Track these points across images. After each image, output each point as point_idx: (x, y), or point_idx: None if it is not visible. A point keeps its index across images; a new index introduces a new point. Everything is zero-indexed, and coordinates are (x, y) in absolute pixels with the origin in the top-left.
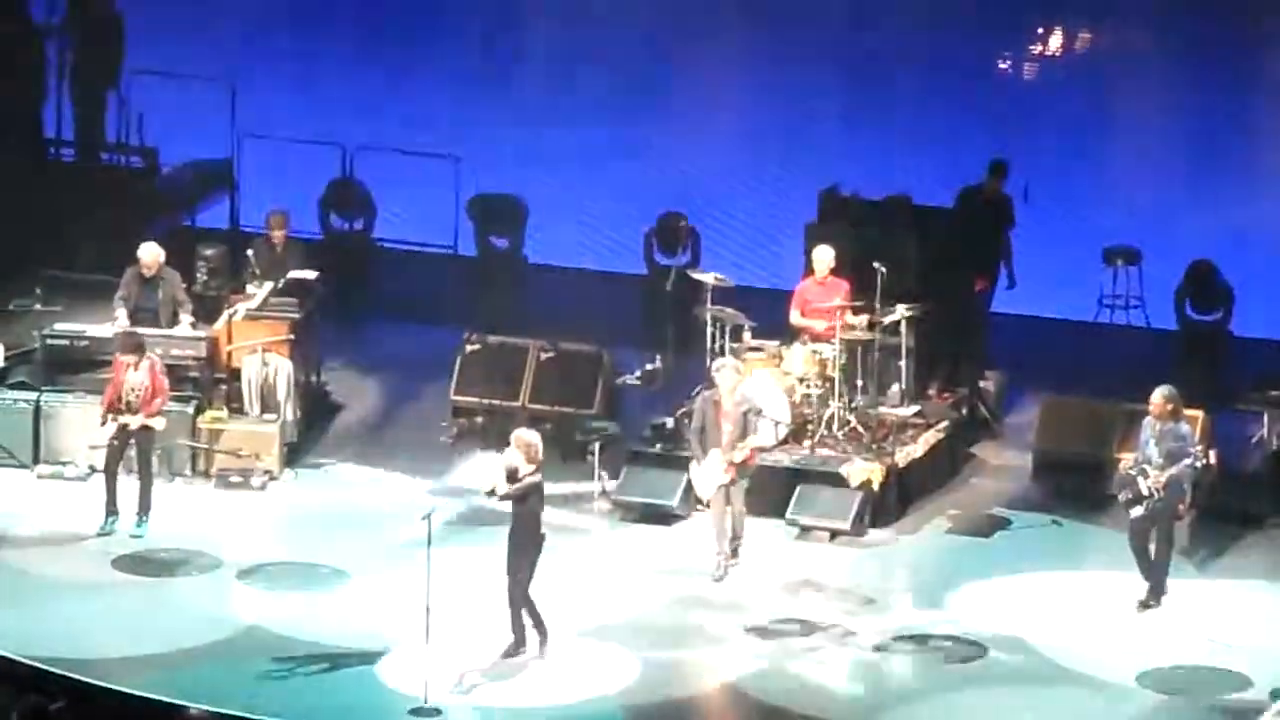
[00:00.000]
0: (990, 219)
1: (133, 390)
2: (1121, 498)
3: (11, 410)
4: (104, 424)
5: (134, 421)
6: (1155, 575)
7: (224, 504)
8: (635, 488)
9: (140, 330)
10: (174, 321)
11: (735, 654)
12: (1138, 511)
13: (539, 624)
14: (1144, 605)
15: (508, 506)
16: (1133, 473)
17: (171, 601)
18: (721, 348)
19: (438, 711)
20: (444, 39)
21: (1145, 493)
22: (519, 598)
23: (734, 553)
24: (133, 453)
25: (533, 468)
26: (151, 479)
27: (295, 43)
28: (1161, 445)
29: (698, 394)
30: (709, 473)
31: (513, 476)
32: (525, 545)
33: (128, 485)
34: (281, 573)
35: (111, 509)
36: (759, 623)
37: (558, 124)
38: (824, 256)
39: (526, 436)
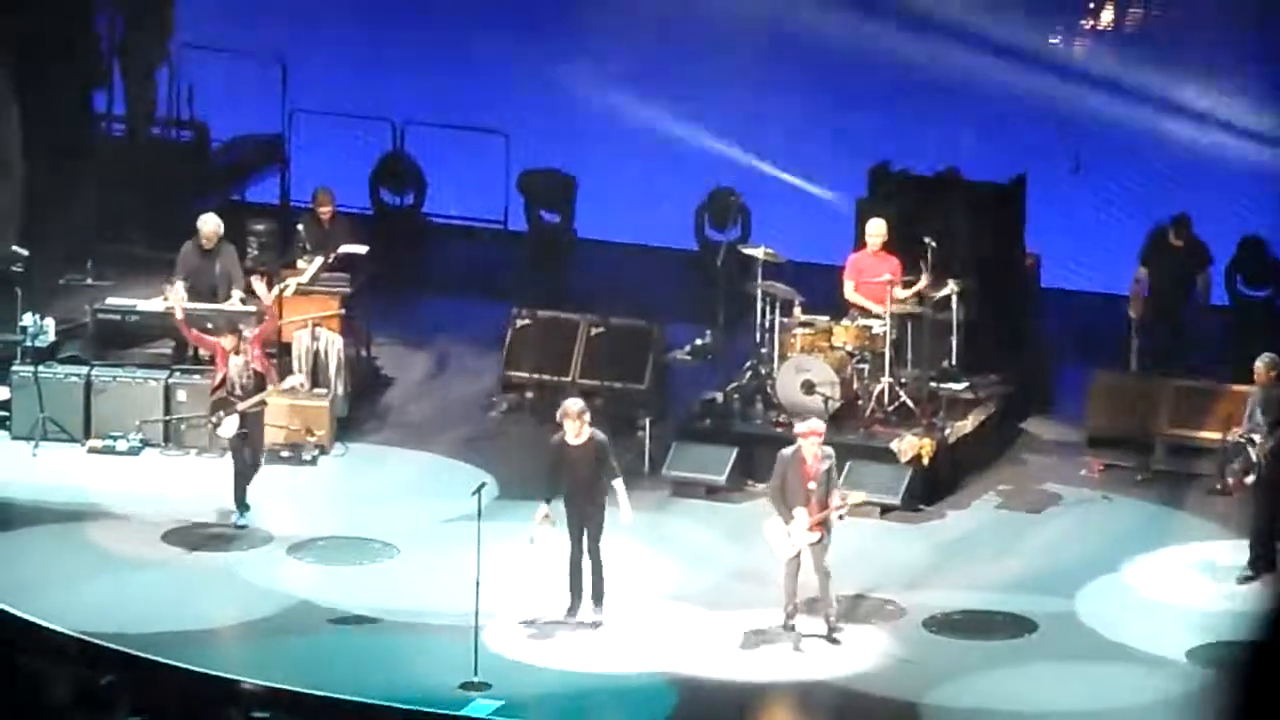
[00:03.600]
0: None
1: (240, 375)
2: (1232, 468)
3: (63, 385)
4: (219, 424)
5: (248, 405)
6: (1261, 546)
7: (274, 478)
8: (685, 463)
9: (195, 305)
10: (227, 296)
11: (787, 629)
12: (1250, 479)
13: (599, 586)
14: (1246, 578)
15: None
16: (1241, 441)
17: (222, 576)
18: (771, 322)
19: (487, 685)
20: (494, 12)
21: (1255, 459)
22: (588, 556)
23: (830, 626)
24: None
25: (589, 431)
26: (260, 465)
27: (346, 17)
28: (1268, 413)
29: (749, 369)
30: (794, 533)
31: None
32: (596, 508)
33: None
34: (332, 547)
35: (242, 503)
36: (810, 596)
37: (608, 98)
38: (877, 229)
39: (577, 405)
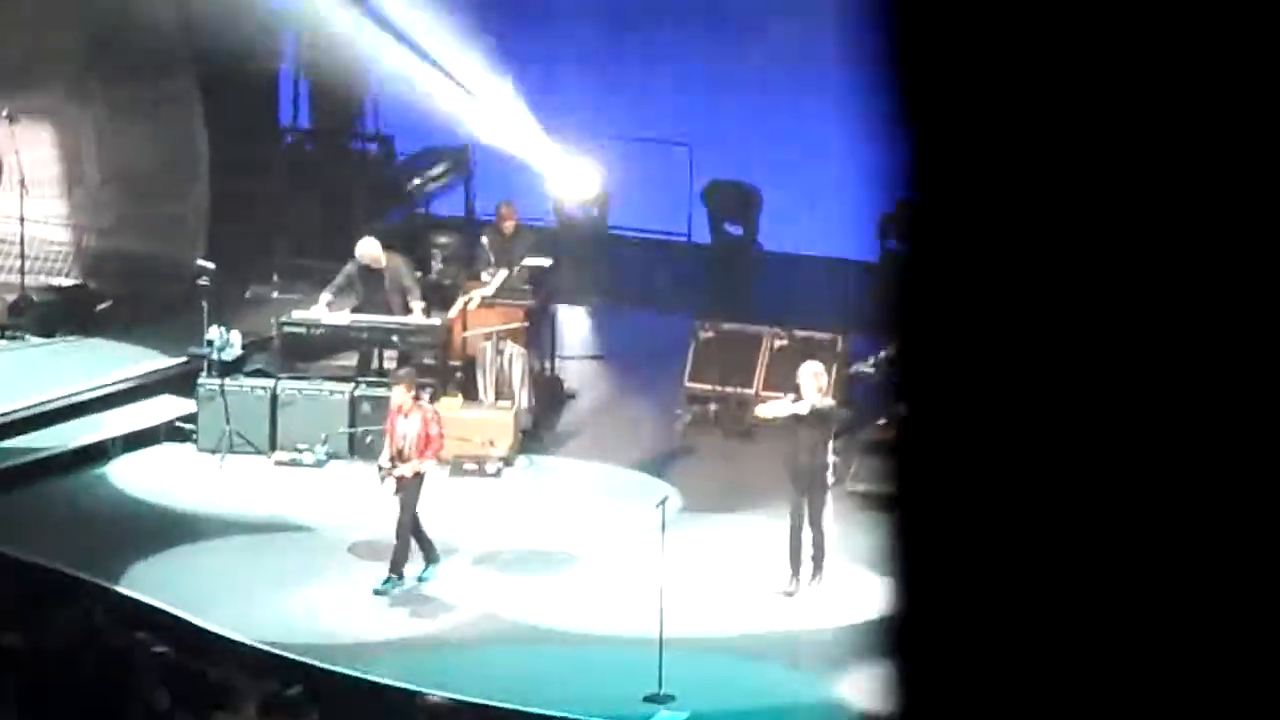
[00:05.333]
0: None
1: (404, 438)
2: None
3: (249, 397)
4: (382, 481)
5: (404, 469)
6: None
7: (459, 491)
8: (870, 475)
9: (372, 318)
10: (405, 310)
11: None
12: None
13: (819, 557)
14: None
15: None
16: None
17: (408, 588)
18: None
19: (671, 696)
20: (676, 24)
21: None
22: (809, 526)
23: None
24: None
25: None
26: (418, 529)
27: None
28: None
29: None
30: None
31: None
32: (820, 476)
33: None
34: (516, 559)
35: (397, 568)
36: None
37: (793, 109)
38: None
39: (815, 366)
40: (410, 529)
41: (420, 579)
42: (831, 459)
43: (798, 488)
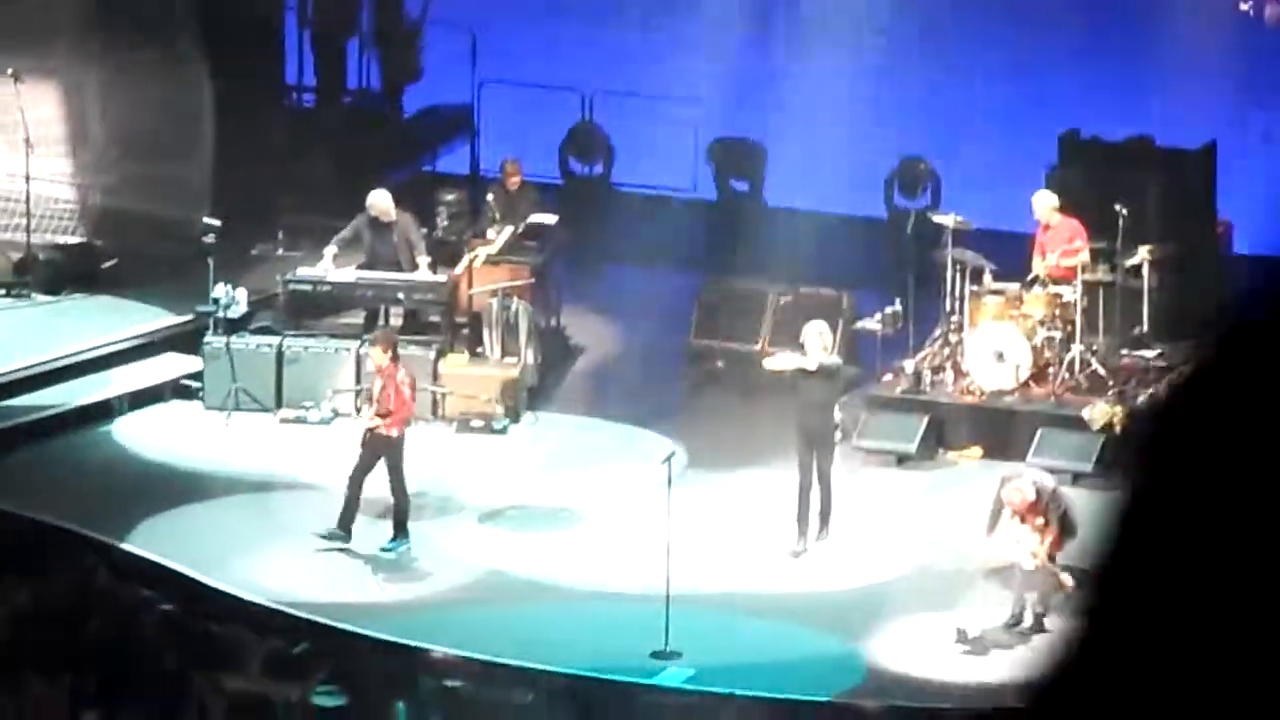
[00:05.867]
0: None
1: (379, 395)
2: None
3: (255, 355)
4: (358, 412)
5: (374, 422)
6: None
7: (465, 448)
8: (875, 432)
9: (378, 275)
10: (413, 266)
11: (976, 602)
12: None
13: (826, 511)
14: None
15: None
16: None
17: (414, 545)
18: (961, 290)
19: (678, 653)
20: None
21: None
22: (818, 482)
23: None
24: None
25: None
26: (405, 497)
27: None
28: None
29: (938, 337)
30: (1022, 541)
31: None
32: (826, 430)
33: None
34: (523, 516)
35: (344, 524)
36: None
37: (798, 66)
38: (1040, 202)
39: (819, 325)
40: (358, 488)
41: (324, 535)
42: (839, 416)
43: (805, 445)
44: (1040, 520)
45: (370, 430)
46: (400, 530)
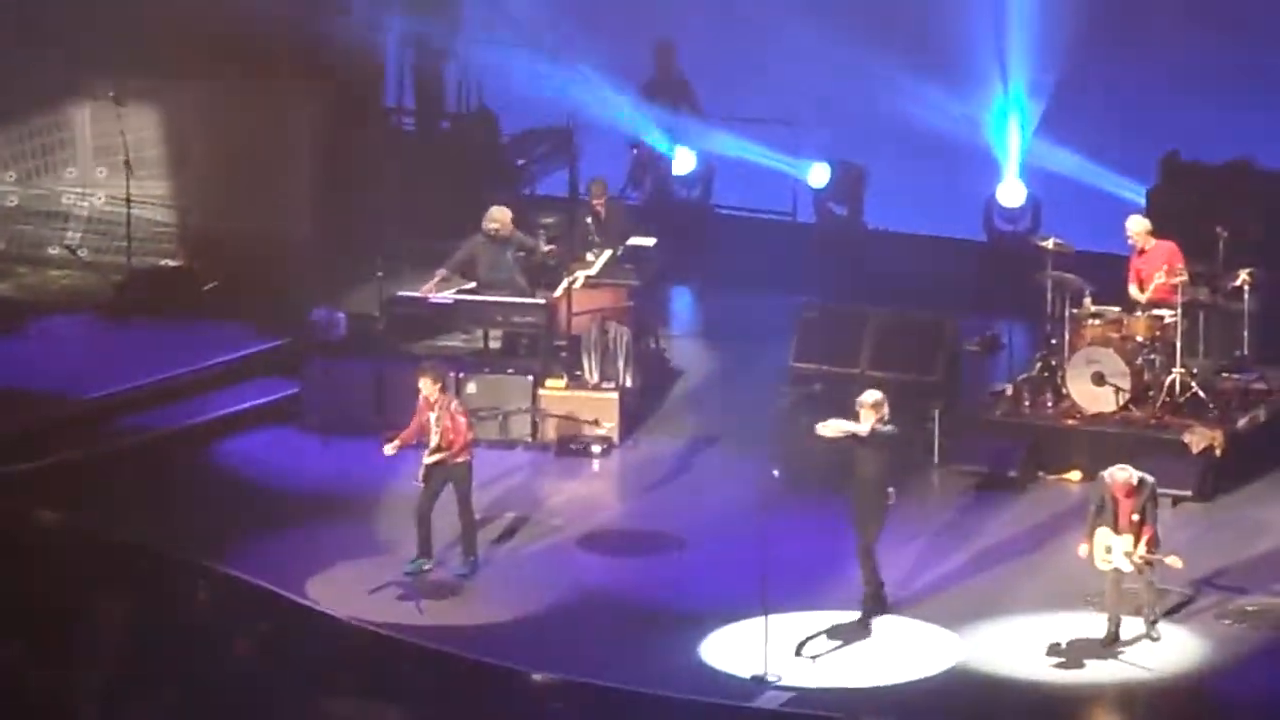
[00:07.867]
0: None
1: (436, 427)
2: None
3: (355, 377)
4: (394, 452)
5: (435, 457)
6: None
7: (564, 471)
8: (976, 455)
9: (478, 298)
10: (531, 284)
11: (1074, 625)
12: None
13: (878, 585)
14: None
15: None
16: None
17: (513, 568)
18: (1061, 314)
19: (778, 676)
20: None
21: None
22: (867, 552)
23: (1150, 626)
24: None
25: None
26: (473, 520)
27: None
28: None
29: (1039, 360)
30: (1113, 549)
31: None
32: (875, 501)
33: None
34: (622, 539)
35: (425, 550)
36: (1099, 590)
37: (897, 91)
38: (1133, 226)
39: (874, 396)
40: (427, 517)
41: (407, 571)
42: (891, 491)
43: (857, 518)
44: (1136, 516)
45: (431, 465)
46: (470, 551)
